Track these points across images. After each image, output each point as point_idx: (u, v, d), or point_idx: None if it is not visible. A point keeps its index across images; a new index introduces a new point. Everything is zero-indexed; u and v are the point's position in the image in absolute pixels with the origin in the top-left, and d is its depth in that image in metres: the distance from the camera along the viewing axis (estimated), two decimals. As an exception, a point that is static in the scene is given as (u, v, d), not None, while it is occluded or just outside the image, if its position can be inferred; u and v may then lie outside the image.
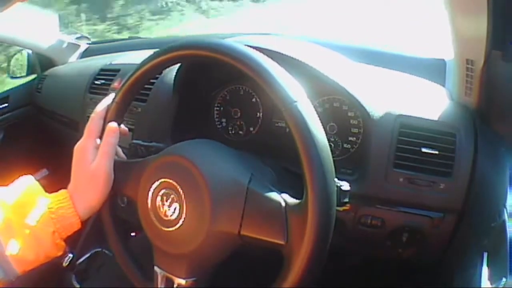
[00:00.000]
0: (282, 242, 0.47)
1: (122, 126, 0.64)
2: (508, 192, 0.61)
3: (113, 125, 0.61)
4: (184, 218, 0.51)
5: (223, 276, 0.57)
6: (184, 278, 0.53)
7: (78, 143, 0.61)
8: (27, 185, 0.58)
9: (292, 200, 0.49)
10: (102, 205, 0.61)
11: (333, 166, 0.47)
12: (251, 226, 0.49)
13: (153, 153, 0.61)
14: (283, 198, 0.49)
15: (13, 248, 0.52)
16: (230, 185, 0.51)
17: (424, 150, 0.67)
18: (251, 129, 0.91)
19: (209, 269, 0.55)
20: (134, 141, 0.66)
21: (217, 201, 0.50)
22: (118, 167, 0.61)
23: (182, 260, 0.53)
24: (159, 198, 0.54)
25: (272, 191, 0.50)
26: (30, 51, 1.58)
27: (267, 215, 0.49)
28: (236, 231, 0.49)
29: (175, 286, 0.54)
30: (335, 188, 0.47)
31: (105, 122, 0.62)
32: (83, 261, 1.26)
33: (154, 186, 0.54)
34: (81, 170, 0.60)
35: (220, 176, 0.52)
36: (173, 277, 0.54)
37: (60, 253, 0.58)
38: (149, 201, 0.55)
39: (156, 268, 0.56)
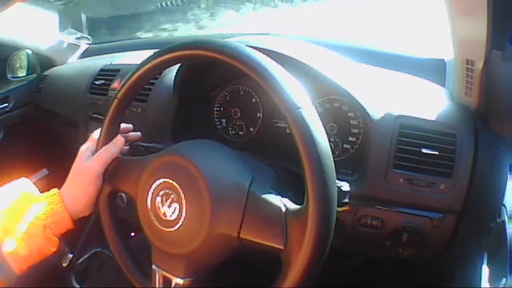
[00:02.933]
0: (281, 247, 0.47)
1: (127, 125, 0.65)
2: (506, 191, 0.61)
3: (120, 138, 0.64)
4: (184, 219, 0.51)
5: (222, 276, 0.57)
6: (182, 278, 0.53)
7: (83, 145, 0.65)
8: (21, 192, 0.59)
9: (292, 206, 0.49)
10: (93, 206, 0.62)
11: (334, 173, 0.47)
12: (250, 230, 0.49)
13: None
14: (284, 203, 0.49)
15: (9, 246, 0.53)
16: (230, 187, 0.51)
17: (424, 150, 0.67)
18: (251, 129, 0.91)
19: (207, 270, 0.55)
20: (134, 143, 0.67)
21: (217, 203, 0.50)
22: (119, 164, 0.61)
23: (181, 260, 0.53)
24: (159, 198, 0.54)
25: (273, 195, 0.50)
26: (30, 51, 1.58)
27: (267, 219, 0.48)
28: (235, 233, 0.49)
29: (172, 285, 0.54)
30: (336, 196, 0.47)
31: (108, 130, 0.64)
32: (83, 261, 1.26)
33: (154, 185, 0.54)
34: (75, 169, 0.63)
35: (221, 178, 0.52)
36: (171, 277, 0.54)
37: (53, 250, 0.59)
38: (148, 200, 0.55)
39: (154, 266, 0.57)
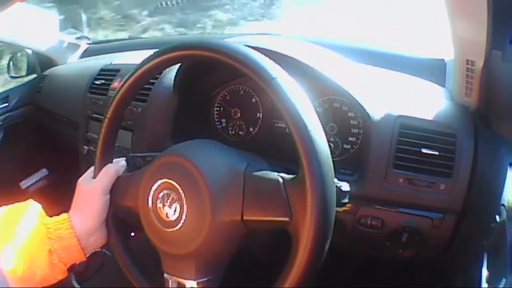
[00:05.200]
0: (286, 219, 0.47)
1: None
2: (506, 191, 0.61)
3: (123, 160, 0.65)
4: (186, 216, 0.51)
5: (226, 277, 0.57)
6: (195, 280, 0.52)
7: (81, 177, 0.64)
8: (30, 214, 0.58)
9: (289, 176, 0.48)
10: (104, 232, 0.61)
11: (322, 131, 0.47)
12: (253, 209, 0.49)
13: None
14: (280, 176, 0.49)
15: (7, 262, 0.51)
16: (226, 174, 0.51)
17: (424, 150, 0.67)
18: (251, 129, 0.91)
19: (219, 267, 0.54)
20: (131, 154, 0.66)
21: (215, 191, 0.50)
22: (117, 182, 0.62)
23: (190, 260, 0.52)
24: (159, 200, 0.53)
25: (268, 171, 0.50)
26: (30, 51, 1.58)
27: (267, 194, 0.48)
28: (239, 217, 0.49)
29: None
30: (330, 155, 0.47)
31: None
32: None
33: (154, 188, 0.54)
34: (78, 193, 0.62)
35: (217, 168, 0.52)
36: (184, 281, 0.53)
37: (59, 277, 0.57)
38: (150, 204, 0.54)
39: (165, 275, 0.55)
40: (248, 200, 0.49)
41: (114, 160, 0.65)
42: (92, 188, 0.61)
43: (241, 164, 0.52)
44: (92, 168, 0.65)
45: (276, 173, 0.50)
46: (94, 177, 0.63)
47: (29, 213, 0.56)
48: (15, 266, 0.52)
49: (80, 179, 0.64)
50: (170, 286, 0.55)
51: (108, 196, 0.61)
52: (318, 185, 0.44)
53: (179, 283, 0.54)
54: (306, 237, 0.45)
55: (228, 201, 0.50)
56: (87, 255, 0.60)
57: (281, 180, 0.48)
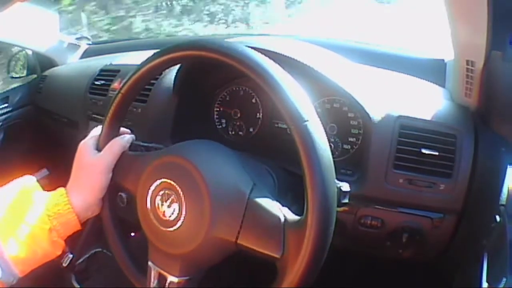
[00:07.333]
0: (277, 256, 0.47)
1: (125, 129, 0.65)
2: (506, 192, 0.61)
3: (130, 134, 0.64)
4: (183, 220, 0.51)
5: (220, 276, 0.58)
6: (177, 276, 0.54)
7: (82, 141, 0.63)
8: (23, 183, 0.58)
9: (291, 217, 0.49)
10: (101, 204, 0.61)
11: (335, 188, 0.46)
12: (248, 237, 0.49)
13: None
14: (283, 213, 0.49)
15: (12, 248, 0.52)
16: (231, 192, 0.51)
17: (424, 151, 0.67)
18: (251, 129, 0.91)
19: (202, 270, 0.56)
20: (134, 142, 0.67)
21: (217, 207, 0.50)
22: (120, 159, 0.61)
23: (177, 260, 0.54)
24: (158, 197, 0.54)
25: (272, 203, 0.50)
26: (30, 51, 1.58)
27: (266, 228, 0.49)
28: (233, 239, 0.50)
29: (167, 282, 0.55)
30: (335, 211, 0.47)
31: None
32: (83, 261, 1.27)
33: (154, 185, 0.54)
34: (80, 164, 0.61)
35: (222, 183, 0.52)
36: (166, 274, 0.55)
37: (58, 253, 0.58)
38: (148, 199, 0.55)
39: (150, 263, 0.57)
40: (246, 227, 0.49)
41: (120, 131, 0.65)
42: (96, 164, 0.60)
43: (247, 184, 0.52)
44: (96, 135, 0.64)
45: (279, 207, 0.50)
46: (99, 150, 0.62)
47: (34, 201, 0.56)
48: (19, 251, 0.53)
49: (82, 143, 0.62)
50: (152, 274, 0.57)
51: (111, 174, 0.61)
52: (318, 241, 0.45)
53: (161, 274, 0.56)
54: (289, 281, 0.46)
55: (226, 221, 0.50)
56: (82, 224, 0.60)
57: (282, 219, 0.48)
